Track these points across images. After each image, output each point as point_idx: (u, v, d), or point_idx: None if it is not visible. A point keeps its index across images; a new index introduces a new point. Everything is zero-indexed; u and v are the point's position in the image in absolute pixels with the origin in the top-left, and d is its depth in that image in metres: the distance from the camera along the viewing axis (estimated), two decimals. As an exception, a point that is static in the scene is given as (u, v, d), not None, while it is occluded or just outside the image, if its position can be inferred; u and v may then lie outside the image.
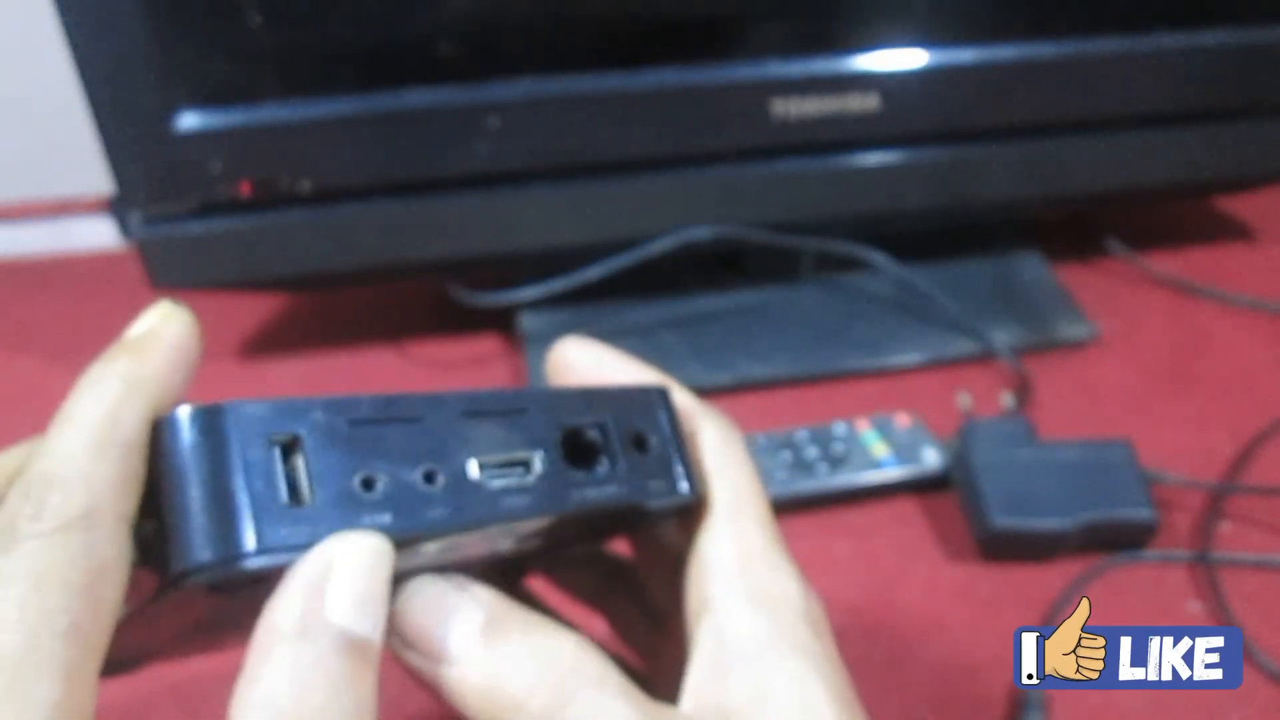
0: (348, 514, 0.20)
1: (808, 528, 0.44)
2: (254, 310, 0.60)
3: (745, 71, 0.50)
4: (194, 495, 0.19)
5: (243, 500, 0.18)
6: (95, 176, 0.50)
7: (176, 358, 0.20)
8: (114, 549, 0.18)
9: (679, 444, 0.25)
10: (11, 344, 0.58)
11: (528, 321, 0.56)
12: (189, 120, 0.46)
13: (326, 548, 0.19)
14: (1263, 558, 0.42)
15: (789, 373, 0.53)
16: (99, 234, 0.66)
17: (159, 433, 0.19)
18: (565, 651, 0.21)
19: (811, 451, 0.46)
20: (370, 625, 0.19)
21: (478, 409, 0.22)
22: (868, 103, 0.52)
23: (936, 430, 0.47)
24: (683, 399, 0.26)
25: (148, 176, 0.47)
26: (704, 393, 0.52)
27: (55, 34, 0.43)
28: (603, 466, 0.23)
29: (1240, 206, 0.67)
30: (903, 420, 0.48)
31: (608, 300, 0.57)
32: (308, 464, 0.19)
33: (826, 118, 0.51)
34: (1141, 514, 0.42)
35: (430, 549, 0.21)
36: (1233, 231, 0.66)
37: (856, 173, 0.54)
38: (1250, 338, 0.56)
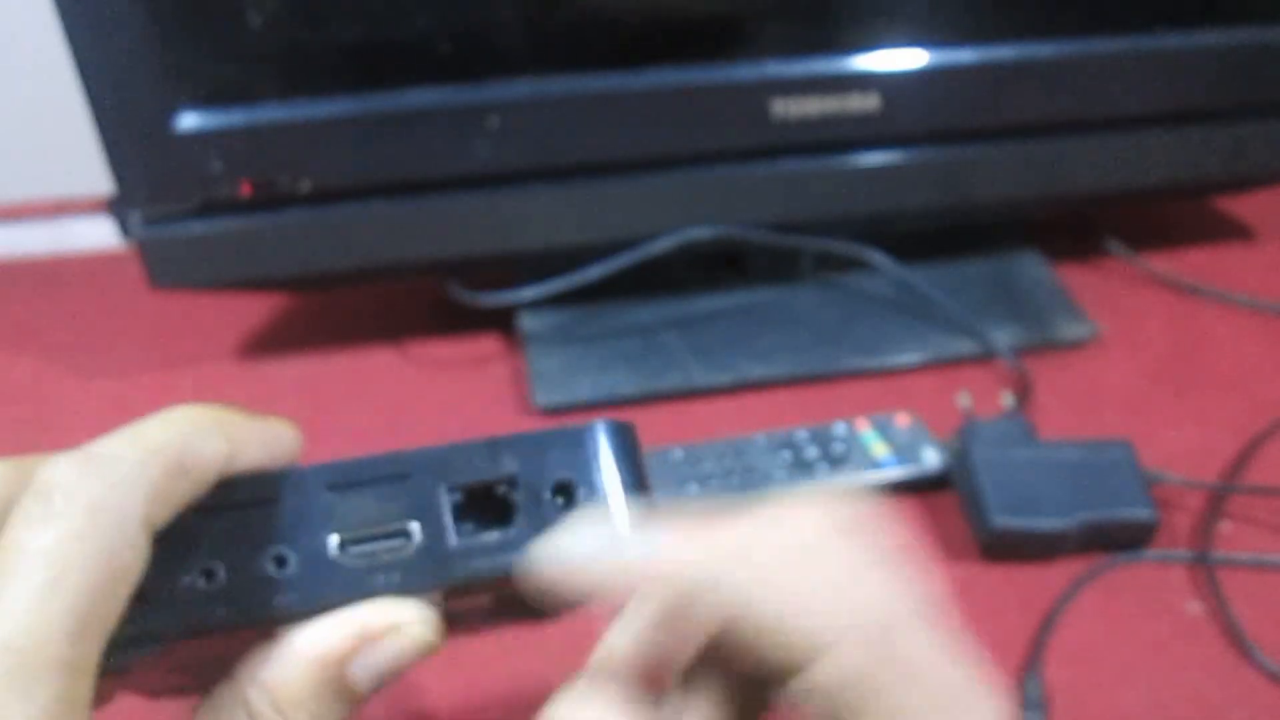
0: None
1: (808, 528, 0.44)
2: (254, 310, 0.60)
3: (745, 71, 0.50)
4: None
5: None
6: (95, 176, 0.50)
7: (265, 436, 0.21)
8: (133, 554, 0.18)
9: (631, 487, 0.22)
10: (11, 344, 0.58)
11: (528, 321, 0.56)
12: (189, 120, 0.46)
13: (365, 612, 0.20)
14: (1263, 558, 0.42)
15: (789, 373, 0.53)
16: (99, 234, 0.66)
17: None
18: None
19: (811, 451, 0.46)
20: (370, 688, 0.20)
21: (346, 480, 0.21)
22: (868, 103, 0.52)
23: (936, 430, 0.47)
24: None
25: (148, 176, 0.47)
26: (704, 393, 0.53)
27: (55, 34, 0.43)
28: (509, 529, 0.21)
29: (1240, 206, 0.67)
30: (903, 420, 0.48)
31: (608, 300, 0.57)
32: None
33: (826, 118, 0.51)
34: (1141, 514, 0.42)
35: None
36: (1233, 231, 0.66)
37: (856, 173, 0.54)
38: (1250, 338, 0.56)
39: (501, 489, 0.21)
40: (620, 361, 0.54)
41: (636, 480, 0.22)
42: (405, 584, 0.21)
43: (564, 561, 0.21)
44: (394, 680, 0.21)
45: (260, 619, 0.20)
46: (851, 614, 0.20)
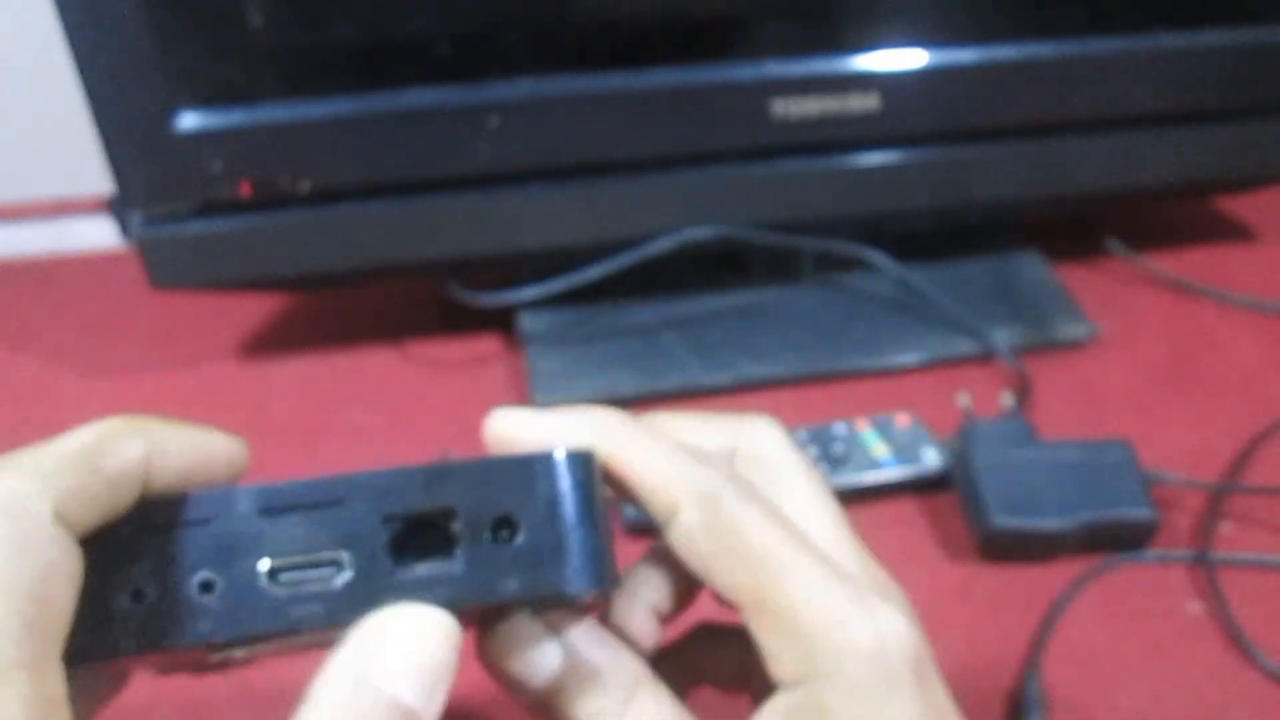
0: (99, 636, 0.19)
1: (808, 528, 0.44)
2: (254, 310, 0.60)
3: (745, 71, 0.50)
4: None
5: None
6: (95, 176, 0.50)
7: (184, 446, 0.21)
8: (55, 550, 0.18)
9: (581, 525, 0.21)
10: (11, 344, 0.58)
11: (528, 321, 0.56)
12: (189, 120, 0.46)
13: (382, 616, 0.20)
14: (1263, 558, 0.42)
15: (789, 373, 0.53)
16: (99, 234, 0.66)
17: None
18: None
19: (811, 451, 0.46)
20: (420, 695, 0.19)
21: (280, 504, 0.20)
22: (868, 103, 0.52)
23: (936, 430, 0.47)
24: (706, 431, 0.25)
25: (148, 176, 0.47)
26: (704, 393, 0.53)
27: (55, 34, 0.43)
28: (448, 562, 0.20)
29: (1240, 206, 0.67)
30: (903, 420, 0.48)
31: (608, 300, 0.57)
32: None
33: (826, 118, 0.51)
34: (1141, 514, 0.42)
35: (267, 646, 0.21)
36: (1233, 231, 0.66)
37: (856, 173, 0.54)
38: (1250, 338, 0.56)
39: (441, 520, 0.21)
40: (620, 361, 0.54)
41: (588, 515, 0.21)
42: (330, 617, 0.20)
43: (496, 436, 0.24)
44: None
45: (183, 645, 0.20)
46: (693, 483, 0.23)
